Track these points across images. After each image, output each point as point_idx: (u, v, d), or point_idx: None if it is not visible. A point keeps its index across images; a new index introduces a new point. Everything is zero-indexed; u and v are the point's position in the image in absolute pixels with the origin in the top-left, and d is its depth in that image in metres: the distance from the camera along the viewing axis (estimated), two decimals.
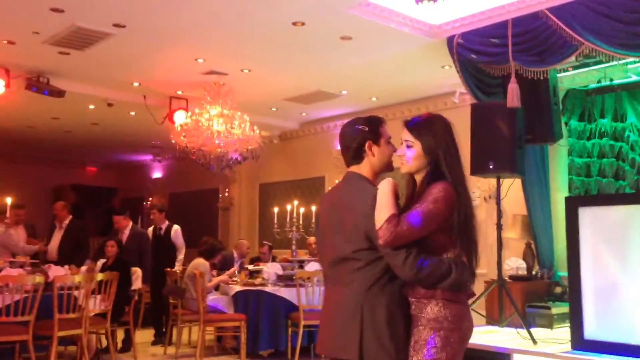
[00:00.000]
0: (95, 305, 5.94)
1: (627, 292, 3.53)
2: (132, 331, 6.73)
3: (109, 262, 6.69)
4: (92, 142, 11.83)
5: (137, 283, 6.77)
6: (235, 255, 8.78)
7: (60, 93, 7.42)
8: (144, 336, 7.68)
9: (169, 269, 7.54)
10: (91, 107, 8.85)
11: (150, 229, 8.00)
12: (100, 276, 5.93)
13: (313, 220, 8.07)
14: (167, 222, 7.91)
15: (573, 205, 3.86)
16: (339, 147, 2.62)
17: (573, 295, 3.76)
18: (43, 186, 13.48)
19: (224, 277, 7.18)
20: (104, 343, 6.56)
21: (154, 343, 7.53)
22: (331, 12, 5.51)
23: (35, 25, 5.89)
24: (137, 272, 6.84)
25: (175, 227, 7.88)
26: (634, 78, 5.71)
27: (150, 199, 12.85)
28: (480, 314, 5.06)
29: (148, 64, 7.09)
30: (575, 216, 3.78)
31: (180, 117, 8.14)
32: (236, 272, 7.53)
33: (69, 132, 10.82)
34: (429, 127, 2.43)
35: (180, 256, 7.79)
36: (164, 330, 7.44)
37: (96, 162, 14.78)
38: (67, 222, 7.79)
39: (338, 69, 7.22)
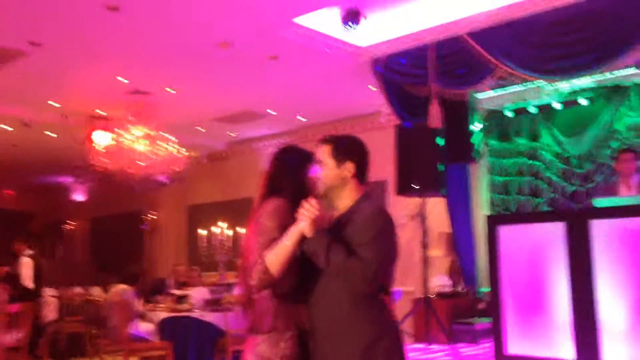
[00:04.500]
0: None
1: (545, 307, 3.64)
2: None
3: None
4: (9, 164, 11.23)
5: (52, 314, 6.42)
6: (171, 282, 8.51)
7: None
8: None
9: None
10: (6, 127, 8.43)
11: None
12: (13, 308, 5.60)
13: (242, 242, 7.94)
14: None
15: (493, 223, 3.96)
16: None
17: (494, 311, 3.84)
18: None
19: None
20: None
21: None
22: (258, 32, 5.49)
23: None
24: (52, 303, 6.49)
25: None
26: (546, 100, 5.98)
27: (71, 222, 12.31)
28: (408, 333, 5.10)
29: (66, 82, 6.82)
30: (495, 234, 3.88)
31: (100, 137, 7.83)
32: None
33: None
34: None
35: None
36: None
37: (14, 185, 14.05)
38: None
39: (265, 88, 7.18)
